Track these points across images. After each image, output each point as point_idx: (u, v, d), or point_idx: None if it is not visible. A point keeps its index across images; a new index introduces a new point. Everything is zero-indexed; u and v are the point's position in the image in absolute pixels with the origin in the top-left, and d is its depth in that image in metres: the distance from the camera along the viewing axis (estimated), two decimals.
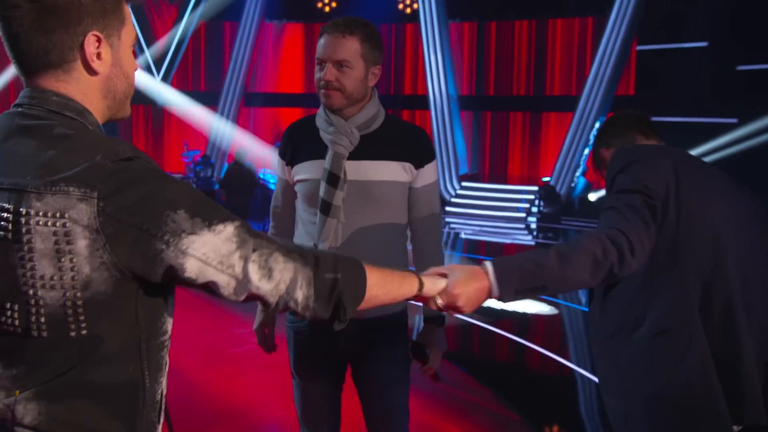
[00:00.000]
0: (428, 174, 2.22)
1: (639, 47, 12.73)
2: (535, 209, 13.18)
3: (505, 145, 15.20)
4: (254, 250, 1.13)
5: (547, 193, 13.15)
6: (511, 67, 14.97)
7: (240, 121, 15.75)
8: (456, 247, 10.75)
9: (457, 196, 13.89)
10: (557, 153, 13.73)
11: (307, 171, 2.19)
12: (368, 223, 2.15)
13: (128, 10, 1.21)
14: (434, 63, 14.32)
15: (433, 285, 1.50)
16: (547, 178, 13.73)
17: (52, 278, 1.06)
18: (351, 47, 2.09)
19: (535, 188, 13.43)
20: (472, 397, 4.36)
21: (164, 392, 1.22)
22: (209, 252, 1.10)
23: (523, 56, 14.83)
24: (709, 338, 1.72)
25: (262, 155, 12.75)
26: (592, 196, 13.00)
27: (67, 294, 1.07)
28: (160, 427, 1.21)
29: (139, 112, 15.95)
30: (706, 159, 11.11)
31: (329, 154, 2.12)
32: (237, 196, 8.81)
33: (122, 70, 1.20)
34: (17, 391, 1.09)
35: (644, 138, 2.00)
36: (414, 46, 15.47)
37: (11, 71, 15.42)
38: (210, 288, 1.13)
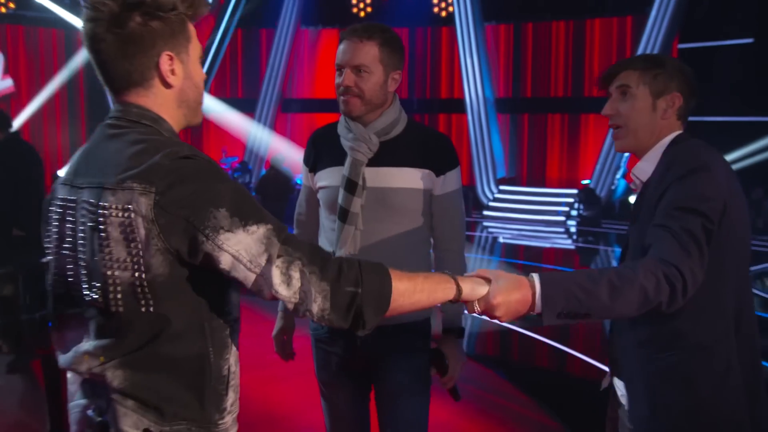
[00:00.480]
0: (450, 182, 2.17)
1: (681, 45, 12.47)
2: (574, 212, 12.98)
3: (544, 148, 15.02)
4: (279, 256, 1.24)
5: (586, 196, 12.94)
6: (548, 69, 14.80)
7: (277, 127, 15.89)
8: (494, 251, 10.64)
9: (495, 200, 13.77)
10: (597, 155, 13.52)
11: (327, 178, 2.18)
12: (387, 230, 2.12)
13: (192, 28, 1.38)
14: (470, 66, 14.24)
15: (472, 290, 1.46)
16: (586, 181, 13.51)
17: (123, 261, 1.24)
18: (369, 52, 2.07)
19: (575, 191, 13.23)
20: (511, 404, 4.28)
21: (233, 368, 1.37)
22: (241, 250, 1.22)
23: (561, 57, 14.64)
24: (738, 356, 1.70)
25: (299, 161, 12.81)
26: (633, 199, 12.74)
27: (135, 274, 1.24)
28: (228, 398, 1.36)
29: None
30: (755, 159, 10.93)
31: (348, 161, 2.11)
32: (272, 202, 8.89)
33: (193, 81, 1.38)
34: (101, 358, 1.28)
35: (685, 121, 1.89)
36: (450, 49, 15.41)
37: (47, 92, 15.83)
38: (240, 281, 1.26)
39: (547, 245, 11.25)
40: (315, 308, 1.25)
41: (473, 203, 13.53)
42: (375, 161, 2.11)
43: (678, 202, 1.63)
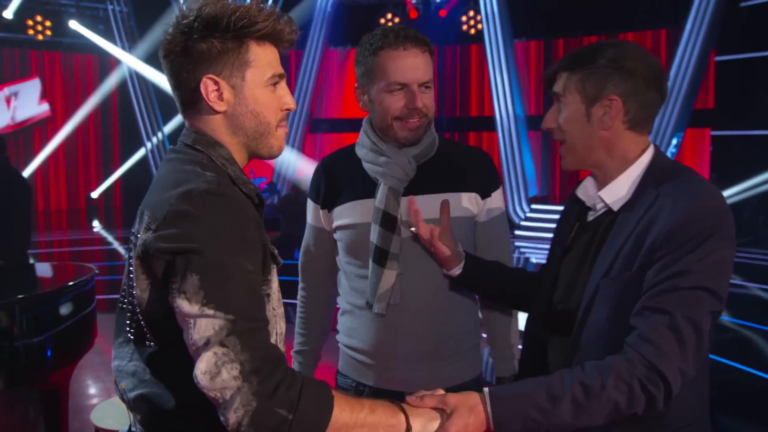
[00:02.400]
0: (495, 203, 1.91)
1: (718, 58, 12.09)
2: None
3: None
4: (223, 345, 1.11)
5: None
6: None
7: (306, 147, 15.86)
8: None
9: (527, 219, 13.46)
10: None
11: (350, 214, 1.85)
12: (432, 272, 1.81)
13: (260, 50, 1.28)
14: (500, 83, 14.03)
15: (423, 428, 1.26)
16: None
17: (133, 291, 1.22)
18: (429, 63, 1.81)
19: None
20: None
21: None
22: (191, 321, 1.13)
23: None
24: None
25: None
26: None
27: (141, 307, 1.22)
28: None
29: None
30: None
31: (381, 190, 1.79)
32: (291, 223, 8.82)
33: (249, 108, 1.29)
34: (122, 385, 1.26)
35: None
36: (479, 67, 15.25)
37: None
38: None
39: None
40: (232, 419, 1.10)
41: None
42: (411, 189, 1.81)
43: (686, 278, 1.30)
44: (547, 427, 1.29)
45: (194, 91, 1.28)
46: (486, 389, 1.31)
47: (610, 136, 1.46)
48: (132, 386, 1.26)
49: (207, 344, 1.11)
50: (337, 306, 2.03)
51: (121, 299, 1.34)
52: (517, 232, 13.04)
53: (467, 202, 1.86)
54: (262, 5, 1.28)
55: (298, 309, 2.06)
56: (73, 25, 15.35)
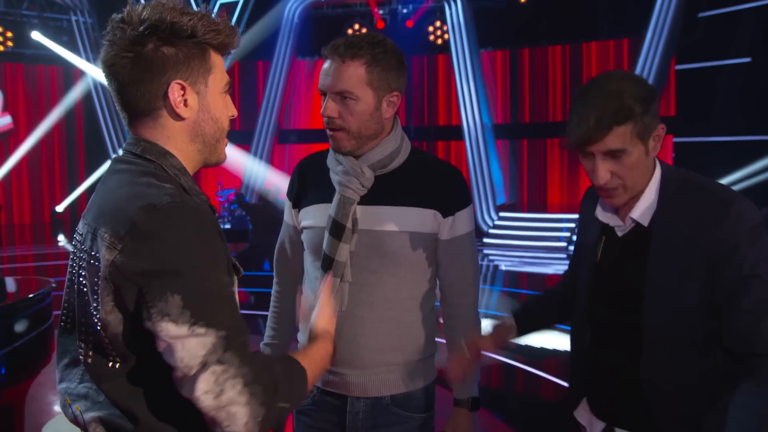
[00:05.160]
0: (461, 223, 1.84)
1: (678, 66, 12.35)
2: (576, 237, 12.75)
3: (544, 173, 14.86)
4: (220, 363, 1.09)
5: None
6: (546, 94, 14.70)
7: (274, 158, 15.78)
8: (495, 280, 10.40)
9: (495, 227, 13.56)
10: None
11: (312, 216, 1.86)
12: (382, 283, 1.79)
13: (217, 58, 1.29)
14: (467, 93, 14.15)
15: None
16: None
17: (92, 311, 1.17)
18: (353, 74, 1.73)
19: (576, 216, 13.01)
20: None
21: None
22: (178, 343, 1.10)
23: (558, 81, 14.55)
24: None
25: None
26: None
27: (99, 327, 1.16)
28: None
29: None
30: (756, 179, 10.74)
31: (335, 199, 1.79)
32: (260, 233, 8.78)
33: (210, 114, 1.28)
34: (78, 407, 1.20)
35: None
36: (446, 76, 15.36)
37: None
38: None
39: (550, 272, 11.00)
40: (240, 428, 1.11)
41: None
42: (369, 199, 1.78)
43: (757, 275, 1.45)
44: None
45: (157, 97, 1.24)
46: None
47: (653, 158, 1.59)
48: (85, 408, 1.22)
49: (204, 365, 1.09)
50: None
51: (64, 319, 1.29)
52: (486, 240, 13.13)
53: (425, 218, 1.81)
54: (214, 15, 1.27)
55: (271, 303, 2.06)
56: (36, 36, 15.12)
